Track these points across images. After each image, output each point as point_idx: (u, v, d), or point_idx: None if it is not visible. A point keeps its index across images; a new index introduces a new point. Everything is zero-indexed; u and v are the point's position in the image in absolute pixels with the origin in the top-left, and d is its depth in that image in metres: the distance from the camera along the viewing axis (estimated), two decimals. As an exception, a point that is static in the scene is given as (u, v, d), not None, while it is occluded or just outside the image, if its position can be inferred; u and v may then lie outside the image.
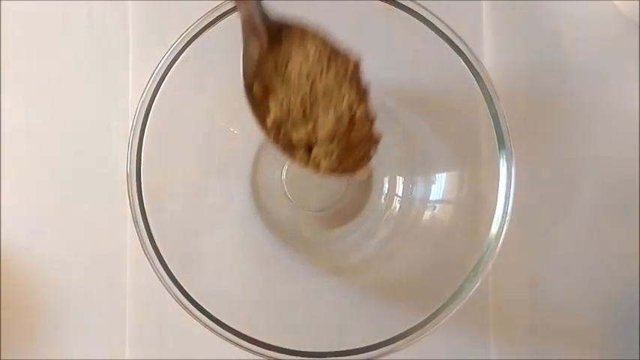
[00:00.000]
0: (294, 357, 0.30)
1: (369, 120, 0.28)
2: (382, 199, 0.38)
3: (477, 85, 0.31)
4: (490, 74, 0.31)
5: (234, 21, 0.31)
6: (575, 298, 0.38)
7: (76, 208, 0.39)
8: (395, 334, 0.30)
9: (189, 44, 0.31)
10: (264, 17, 0.28)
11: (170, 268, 0.31)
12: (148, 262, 0.31)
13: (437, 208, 0.36)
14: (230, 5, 0.31)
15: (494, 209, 0.31)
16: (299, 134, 0.28)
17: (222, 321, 0.30)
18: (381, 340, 0.30)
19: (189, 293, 0.30)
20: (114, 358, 0.39)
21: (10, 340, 0.39)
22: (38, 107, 0.40)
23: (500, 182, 0.31)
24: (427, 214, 0.37)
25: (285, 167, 0.38)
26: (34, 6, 0.40)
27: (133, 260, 0.39)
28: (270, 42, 0.28)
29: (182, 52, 0.31)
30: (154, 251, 0.31)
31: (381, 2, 0.31)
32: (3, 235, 0.39)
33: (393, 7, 0.31)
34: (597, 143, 0.39)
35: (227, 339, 0.30)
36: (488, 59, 0.39)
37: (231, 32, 0.32)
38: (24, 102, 0.40)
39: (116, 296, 0.39)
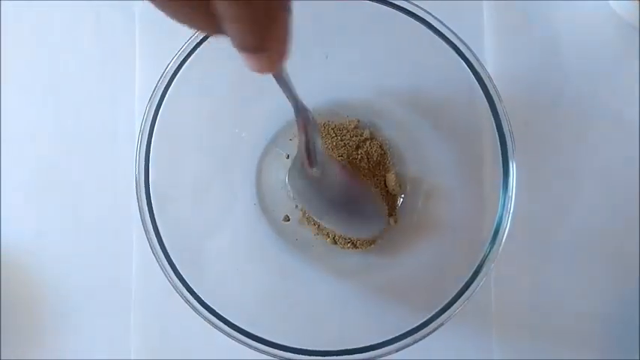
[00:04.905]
0: (299, 355, 0.30)
1: None
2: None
3: (479, 87, 0.31)
4: (492, 77, 0.31)
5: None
6: (576, 299, 0.39)
7: (80, 209, 0.40)
8: (398, 334, 0.30)
9: (196, 49, 0.32)
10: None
11: (178, 268, 0.31)
12: (153, 263, 0.31)
13: (439, 210, 0.37)
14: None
15: (496, 210, 0.31)
16: None
17: (228, 319, 0.31)
18: (385, 339, 0.30)
19: (197, 292, 0.31)
20: (119, 358, 0.39)
21: (15, 341, 0.39)
22: (44, 110, 0.41)
23: (501, 183, 0.31)
24: (430, 215, 0.37)
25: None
26: (42, 11, 0.41)
27: (139, 261, 0.39)
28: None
29: (189, 57, 0.32)
30: (162, 252, 0.31)
31: (385, 7, 0.31)
32: (7, 237, 0.40)
33: (396, 11, 0.31)
34: (598, 145, 0.39)
35: (233, 337, 0.31)
36: (491, 62, 0.39)
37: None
38: (30, 104, 0.41)
39: (121, 297, 0.39)
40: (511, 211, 0.31)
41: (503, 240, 0.31)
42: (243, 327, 0.30)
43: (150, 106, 0.32)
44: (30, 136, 0.40)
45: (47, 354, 0.39)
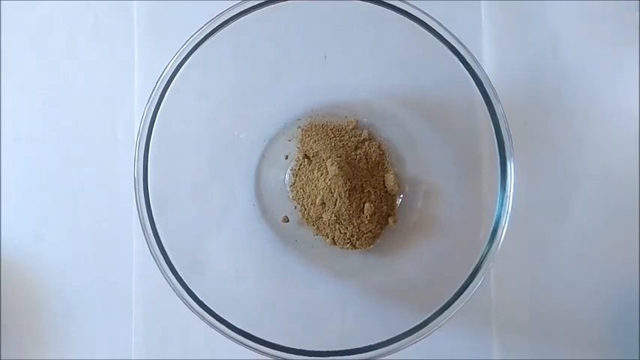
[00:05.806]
0: (298, 356, 0.30)
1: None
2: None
3: (477, 88, 0.31)
4: (490, 77, 0.31)
5: (238, 28, 0.32)
6: (576, 299, 0.39)
7: (80, 210, 0.40)
8: (398, 334, 0.31)
9: (194, 51, 0.32)
10: None
11: (177, 270, 0.31)
12: (153, 265, 0.31)
13: (438, 210, 0.37)
14: (233, 13, 0.31)
15: (495, 210, 0.31)
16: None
17: (228, 321, 0.31)
18: (385, 339, 0.31)
19: (196, 294, 0.31)
20: (119, 359, 0.39)
21: (15, 341, 0.39)
22: (44, 111, 0.41)
23: (500, 183, 0.31)
24: (428, 215, 0.37)
25: (288, 171, 0.39)
26: (41, 12, 0.41)
27: (139, 262, 0.39)
28: None
29: (187, 59, 0.32)
30: (162, 254, 0.31)
31: (383, 8, 0.31)
32: (7, 238, 0.40)
33: (394, 12, 0.31)
34: (597, 144, 0.39)
35: (233, 339, 0.31)
36: (489, 62, 0.39)
37: (234, 39, 0.32)
38: (29, 106, 0.41)
39: (121, 297, 0.39)
40: (509, 211, 0.31)
41: (502, 239, 0.31)
42: (243, 328, 0.31)
43: (148, 107, 0.32)
44: (29, 138, 0.41)
45: (47, 354, 0.39)
